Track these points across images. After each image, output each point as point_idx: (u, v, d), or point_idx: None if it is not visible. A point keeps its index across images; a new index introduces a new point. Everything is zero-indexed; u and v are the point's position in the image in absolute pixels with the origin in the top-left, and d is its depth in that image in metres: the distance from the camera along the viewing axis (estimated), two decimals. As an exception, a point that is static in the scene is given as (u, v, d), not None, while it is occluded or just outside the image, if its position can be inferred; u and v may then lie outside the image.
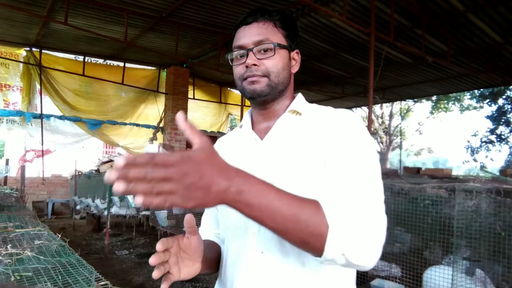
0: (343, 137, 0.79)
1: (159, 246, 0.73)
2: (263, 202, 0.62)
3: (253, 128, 0.96)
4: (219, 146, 1.04)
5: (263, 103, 0.92)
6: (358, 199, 0.70)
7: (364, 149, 0.78)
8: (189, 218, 0.77)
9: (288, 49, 0.92)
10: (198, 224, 0.90)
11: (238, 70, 0.90)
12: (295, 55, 0.95)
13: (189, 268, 0.79)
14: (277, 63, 0.88)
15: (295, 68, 0.95)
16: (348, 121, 0.83)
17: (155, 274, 0.73)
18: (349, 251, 0.66)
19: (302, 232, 0.65)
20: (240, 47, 0.89)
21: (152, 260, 0.71)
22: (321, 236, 0.66)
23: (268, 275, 0.80)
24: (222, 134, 10.03)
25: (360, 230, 0.67)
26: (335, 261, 0.68)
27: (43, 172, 9.52)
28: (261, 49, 0.87)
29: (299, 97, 0.97)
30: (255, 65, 0.87)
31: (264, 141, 0.91)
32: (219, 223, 0.99)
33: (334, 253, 0.66)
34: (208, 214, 1.04)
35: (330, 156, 0.78)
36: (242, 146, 0.96)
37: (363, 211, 0.69)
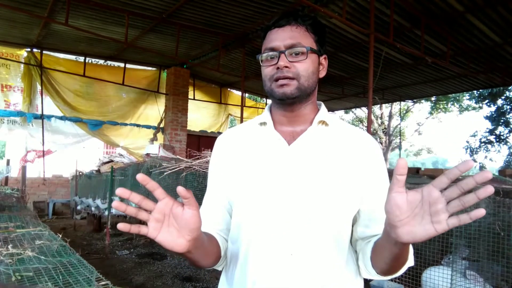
0: (378, 173, 0.92)
1: (135, 196, 0.69)
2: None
3: (274, 127, 0.94)
4: (232, 136, 1.00)
5: (291, 105, 0.91)
6: None
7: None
8: (181, 189, 0.67)
9: (318, 53, 0.92)
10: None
11: (268, 71, 0.89)
12: (323, 60, 0.95)
13: (171, 236, 0.70)
14: (308, 67, 0.88)
15: (323, 73, 0.95)
16: (379, 154, 0.93)
17: (125, 210, 0.71)
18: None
19: (400, 267, 0.82)
20: (272, 49, 0.89)
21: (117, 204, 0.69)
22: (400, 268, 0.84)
23: (296, 277, 0.82)
24: (222, 134, 9.98)
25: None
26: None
27: (44, 172, 9.52)
28: (293, 52, 0.87)
29: (324, 107, 0.98)
30: (286, 67, 0.86)
31: (291, 146, 0.90)
32: (226, 221, 0.96)
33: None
34: (213, 210, 0.98)
35: (369, 190, 0.90)
36: (265, 145, 0.93)
37: None
